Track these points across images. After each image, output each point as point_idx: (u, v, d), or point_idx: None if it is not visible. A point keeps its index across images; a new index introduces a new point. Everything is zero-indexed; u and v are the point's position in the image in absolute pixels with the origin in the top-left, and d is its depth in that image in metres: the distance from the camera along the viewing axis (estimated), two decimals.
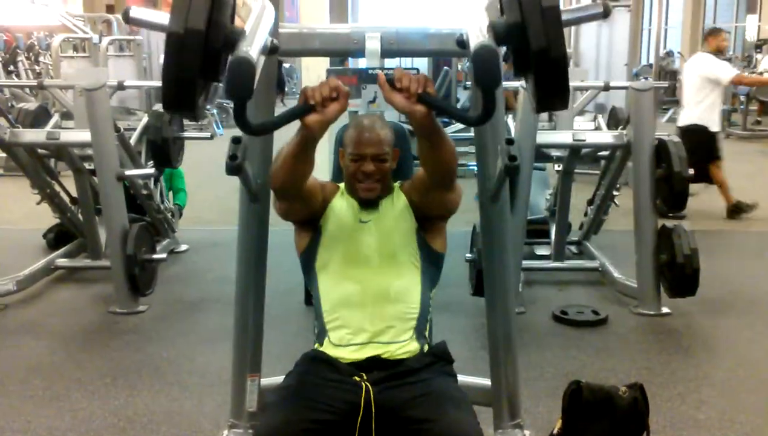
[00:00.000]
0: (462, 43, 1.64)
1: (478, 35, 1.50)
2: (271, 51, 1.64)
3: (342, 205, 2.27)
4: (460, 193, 2.21)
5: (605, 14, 1.74)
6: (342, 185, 2.32)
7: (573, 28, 10.33)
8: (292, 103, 13.60)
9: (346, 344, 2.12)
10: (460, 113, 2.02)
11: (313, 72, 4.48)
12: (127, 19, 1.73)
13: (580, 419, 2.60)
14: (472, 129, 2.39)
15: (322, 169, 4.40)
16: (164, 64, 1.45)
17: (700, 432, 3.13)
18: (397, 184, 2.33)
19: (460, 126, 9.63)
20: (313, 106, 1.79)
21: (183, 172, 6.05)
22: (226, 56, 1.50)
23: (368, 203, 2.23)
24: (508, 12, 1.52)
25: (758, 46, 15.54)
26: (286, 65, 18.37)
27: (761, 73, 12.90)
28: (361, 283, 2.16)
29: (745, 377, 3.65)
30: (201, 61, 1.45)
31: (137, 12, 1.72)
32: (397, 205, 2.26)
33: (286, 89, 18.68)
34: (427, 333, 2.20)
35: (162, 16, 1.61)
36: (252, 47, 1.48)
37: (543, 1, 1.47)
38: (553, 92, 1.51)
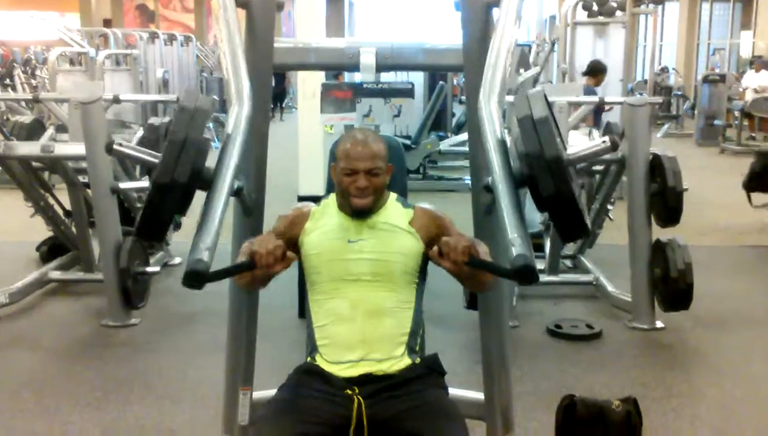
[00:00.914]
0: (488, 189, 1.82)
1: (511, 239, 1.65)
2: (236, 193, 1.91)
3: (324, 224, 2.21)
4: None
5: (614, 149, 1.85)
6: (320, 206, 2.28)
7: (567, 42, 10.37)
8: (290, 117, 13.45)
9: (338, 361, 2.10)
10: (502, 271, 1.94)
11: (309, 86, 4.48)
12: (110, 151, 1.91)
13: (573, 434, 2.60)
14: (467, 143, 2.40)
15: (316, 181, 4.43)
16: (146, 204, 1.74)
17: None
18: (393, 195, 2.28)
19: (456, 139, 9.68)
20: (254, 263, 1.88)
21: None
22: (192, 197, 1.78)
23: (360, 215, 2.19)
24: (521, 163, 1.73)
25: (752, 62, 15.64)
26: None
27: (745, 89, 13.02)
28: (352, 300, 2.13)
29: (739, 392, 3.64)
30: (179, 206, 1.73)
31: (122, 146, 1.91)
32: (394, 220, 2.21)
33: (284, 103, 18.69)
34: (418, 348, 2.18)
35: (143, 152, 1.88)
36: (207, 250, 1.63)
37: (546, 154, 1.66)
38: (571, 229, 1.73)
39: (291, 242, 2.18)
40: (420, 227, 2.21)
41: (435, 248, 1.89)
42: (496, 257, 2.14)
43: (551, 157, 1.64)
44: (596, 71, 7.75)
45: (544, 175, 1.65)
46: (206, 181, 1.77)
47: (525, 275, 1.63)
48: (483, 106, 1.88)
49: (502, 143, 1.78)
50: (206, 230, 1.67)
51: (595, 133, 6.03)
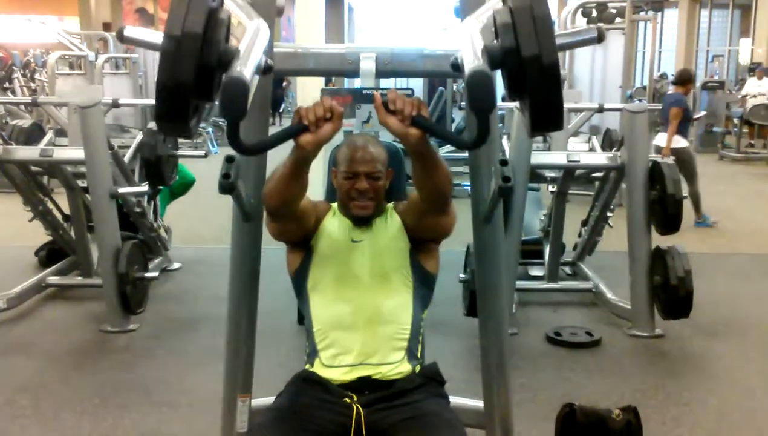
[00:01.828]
0: (456, 67, 1.62)
1: (472, 59, 1.49)
2: (265, 71, 1.62)
3: (334, 224, 2.26)
4: (455, 216, 2.19)
5: (599, 39, 1.74)
6: (334, 205, 2.32)
7: (567, 51, 10.39)
8: (288, 123, 13.60)
9: (337, 364, 2.10)
10: (455, 137, 1.97)
11: (308, 92, 4.48)
12: (122, 37, 1.73)
13: None
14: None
15: (315, 188, 4.41)
16: (159, 75, 1.44)
17: None
18: (390, 205, 2.32)
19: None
20: (306, 126, 1.78)
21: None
22: (220, 76, 1.48)
23: (361, 222, 2.22)
24: (502, 36, 1.51)
25: (751, 69, 15.66)
26: (287, 83, 18.40)
27: (745, 96, 13.03)
28: (352, 303, 2.14)
29: (739, 401, 3.63)
30: (196, 75, 1.44)
31: (131, 31, 1.72)
32: (390, 226, 2.25)
33: (282, 107, 18.70)
34: (419, 354, 2.18)
35: (156, 35, 1.62)
36: (246, 67, 1.47)
37: (535, 10, 1.46)
38: (546, 108, 1.49)
39: (316, 223, 2.23)
40: (402, 221, 2.25)
41: (377, 98, 1.77)
42: (497, 263, 2.14)
43: (549, 62, 1.45)
44: (685, 80, 7.79)
45: (538, 78, 1.45)
46: (227, 60, 1.48)
47: (477, 83, 1.44)
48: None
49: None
50: (243, 55, 1.49)
51: (595, 140, 6.04)
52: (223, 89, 1.43)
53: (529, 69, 1.46)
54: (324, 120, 1.78)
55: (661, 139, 7.43)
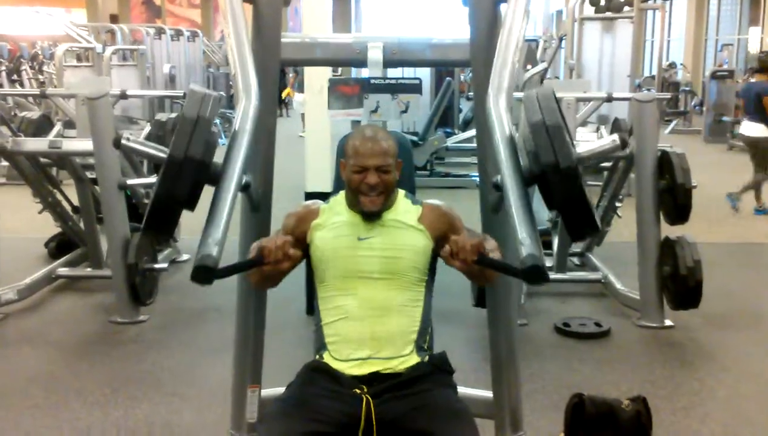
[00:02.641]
0: (497, 187, 1.84)
1: (521, 239, 1.66)
2: (243, 188, 1.88)
3: (337, 220, 2.20)
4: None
5: (623, 146, 1.90)
6: (327, 203, 2.26)
7: (575, 38, 10.34)
8: (295, 113, 13.42)
9: (346, 358, 2.09)
10: (512, 270, 1.94)
11: (316, 81, 4.47)
12: (118, 145, 1.93)
13: (582, 433, 2.58)
14: (475, 140, 2.38)
15: (324, 178, 4.41)
16: (157, 187, 1.72)
17: None
18: (402, 192, 2.26)
19: (463, 136, 9.66)
20: (262, 260, 1.91)
21: None
22: (201, 191, 1.77)
23: (371, 217, 2.18)
24: (530, 163, 1.74)
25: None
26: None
27: None
28: (361, 298, 2.12)
29: (749, 391, 3.62)
30: (190, 190, 1.71)
31: (128, 142, 1.93)
32: (404, 217, 2.19)
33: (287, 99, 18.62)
34: (427, 346, 2.17)
35: (152, 147, 1.89)
36: (215, 245, 1.64)
37: (561, 163, 1.67)
38: (582, 228, 1.74)
39: (300, 239, 2.16)
40: (429, 223, 2.19)
41: (446, 248, 1.89)
42: (505, 252, 2.13)
43: (566, 166, 1.66)
44: None
45: (559, 182, 1.67)
46: (214, 176, 1.77)
47: (535, 274, 1.63)
48: (492, 104, 1.87)
49: (511, 141, 1.78)
50: (215, 225, 1.67)
51: (603, 130, 6.01)
52: (194, 273, 1.63)
53: (550, 173, 1.68)
54: (282, 260, 1.92)
55: (748, 128, 7.35)
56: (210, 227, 1.67)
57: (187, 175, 1.71)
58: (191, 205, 1.77)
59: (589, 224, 1.71)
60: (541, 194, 1.74)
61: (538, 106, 1.72)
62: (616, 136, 1.85)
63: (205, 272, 1.61)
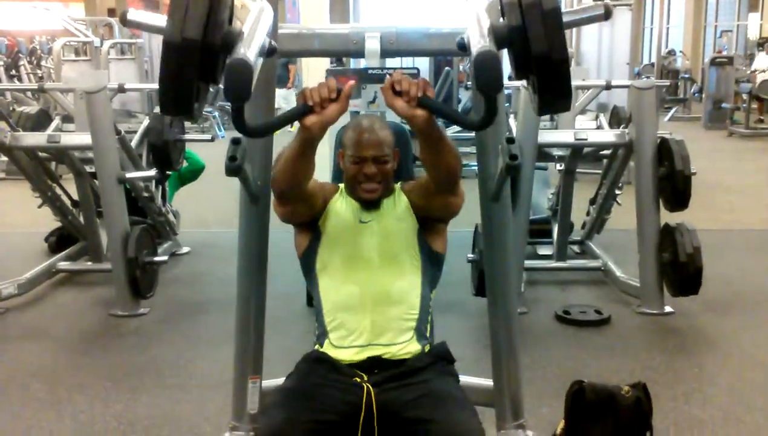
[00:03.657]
0: (463, 47, 1.63)
1: (478, 39, 1.49)
2: (269, 53, 1.63)
3: (342, 205, 2.26)
4: (463, 196, 2.19)
5: (606, 16, 1.73)
6: (342, 186, 2.31)
7: (574, 28, 10.33)
8: (293, 105, 13.53)
9: (347, 345, 2.11)
10: (461, 118, 1.94)
11: (313, 72, 4.46)
12: (125, 21, 1.72)
13: (583, 420, 2.58)
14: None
15: (321, 169, 4.41)
16: (161, 67, 1.45)
17: (704, 432, 3.11)
18: (398, 184, 2.32)
19: None
20: (311, 107, 1.77)
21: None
22: (224, 58, 1.48)
23: (369, 204, 2.22)
24: (508, 15, 1.51)
25: (760, 44, 15.50)
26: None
27: (755, 72, 12.91)
28: (361, 284, 2.15)
29: (750, 377, 3.63)
30: (199, 65, 1.44)
31: (135, 15, 1.72)
32: (398, 206, 2.26)
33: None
34: (428, 334, 2.19)
35: (159, 19, 1.61)
36: (249, 49, 1.46)
37: (544, 4, 1.46)
38: (555, 95, 1.51)
39: (324, 205, 2.24)
40: (409, 201, 2.25)
41: (387, 80, 1.78)
42: (506, 238, 2.13)
43: (548, 6, 1.46)
44: None
45: (537, 25, 1.46)
46: (231, 40, 1.49)
47: (484, 64, 1.44)
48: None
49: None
50: (246, 37, 1.48)
51: (602, 118, 5.99)
52: (227, 73, 1.43)
53: (539, 64, 1.46)
54: (329, 101, 1.77)
55: None
56: (241, 36, 1.47)
57: (190, 50, 1.44)
58: (212, 78, 1.50)
59: (564, 87, 1.50)
60: (513, 57, 1.54)
61: None
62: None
63: (243, 73, 1.40)
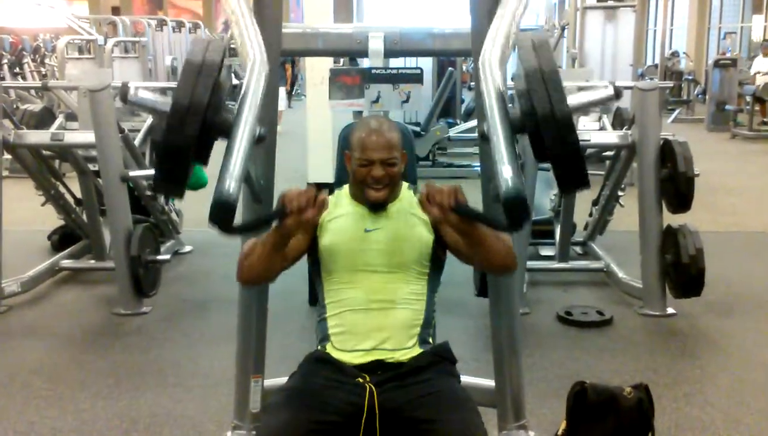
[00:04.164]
0: (484, 136, 1.73)
1: (502, 160, 1.59)
2: (258, 140, 1.74)
3: (342, 213, 2.22)
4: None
5: (617, 96, 1.79)
6: (337, 193, 2.28)
7: (577, 27, 10.31)
8: (299, 104, 13.45)
9: (350, 349, 2.10)
10: (493, 221, 1.97)
11: (317, 72, 4.46)
12: (125, 100, 1.77)
13: (584, 420, 2.59)
14: (476, 129, 2.38)
15: (326, 168, 4.41)
16: (164, 136, 1.57)
17: (705, 433, 3.11)
18: (417, 195, 2.27)
19: (465, 126, 9.65)
20: (286, 212, 1.86)
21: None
22: (213, 140, 1.63)
23: (377, 208, 2.18)
24: (523, 109, 1.63)
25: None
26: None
27: (755, 74, 12.89)
28: (366, 290, 2.13)
29: (752, 379, 3.63)
30: (198, 138, 1.56)
31: (137, 92, 1.75)
32: (411, 214, 2.20)
33: (294, 89, 18.59)
34: (430, 340, 2.19)
35: (162, 103, 1.72)
36: (233, 181, 1.57)
37: (544, 71, 1.58)
38: (574, 181, 1.61)
39: (309, 237, 2.19)
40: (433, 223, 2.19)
41: (423, 191, 1.87)
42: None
43: (562, 115, 1.56)
44: None
45: (554, 132, 1.56)
46: (225, 127, 1.64)
47: (515, 206, 1.57)
48: (485, 57, 1.81)
49: (500, 93, 1.71)
50: (230, 164, 1.59)
51: (605, 119, 6.00)
52: (213, 208, 1.56)
53: (545, 126, 1.56)
54: (305, 208, 1.86)
55: None
56: (226, 166, 1.59)
57: (192, 122, 1.56)
58: (203, 157, 1.63)
59: (580, 177, 1.62)
60: (532, 146, 1.65)
61: (533, 52, 1.64)
62: (610, 87, 1.81)
63: (225, 211, 1.53)
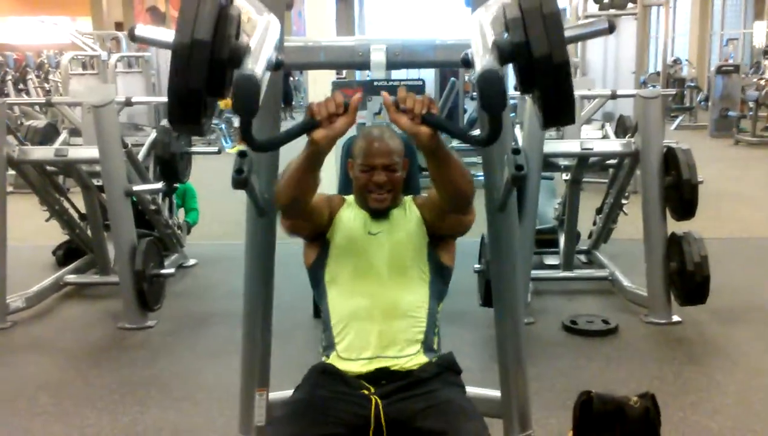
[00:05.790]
0: (467, 62, 1.63)
1: (482, 55, 1.49)
2: (276, 66, 1.63)
3: (350, 216, 2.27)
4: (475, 214, 2.18)
5: (611, 30, 1.72)
6: (348, 197, 2.32)
7: (578, 42, 10.31)
8: (299, 117, 13.55)
9: (355, 358, 2.11)
10: (467, 134, 1.88)
11: (320, 85, 4.48)
12: (133, 36, 1.71)
13: (591, 431, 2.58)
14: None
15: (328, 181, 4.41)
16: (170, 77, 1.44)
17: None
18: (409, 197, 2.32)
19: None
20: (318, 122, 1.77)
21: (196, 191, 6.10)
22: (231, 72, 1.48)
23: (379, 214, 2.23)
24: (512, 30, 1.50)
25: (766, 52, 15.49)
26: (293, 78, 18.36)
27: (767, 80, 12.87)
28: (370, 297, 2.15)
29: (758, 386, 3.61)
30: (207, 75, 1.43)
31: (143, 30, 1.72)
32: (409, 218, 2.26)
33: (294, 102, 18.66)
34: (435, 346, 2.19)
35: (167, 34, 1.61)
36: (257, 64, 1.47)
37: (544, 8, 1.46)
38: (558, 104, 1.48)
39: (330, 217, 2.25)
40: (421, 215, 2.26)
41: (389, 98, 1.76)
42: (512, 249, 2.13)
43: (548, 9, 1.45)
44: None
45: (539, 29, 1.44)
46: (236, 57, 1.47)
47: (489, 81, 1.42)
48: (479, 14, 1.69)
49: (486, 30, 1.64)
50: (254, 52, 1.48)
51: (608, 127, 5.99)
52: (235, 87, 1.43)
53: (540, 68, 1.45)
54: (336, 115, 1.77)
55: None
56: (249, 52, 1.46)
57: (198, 62, 1.42)
58: (220, 92, 1.48)
59: (567, 115, 1.49)
60: (518, 72, 1.52)
61: None
62: (604, 20, 1.72)
63: (249, 89, 1.40)
